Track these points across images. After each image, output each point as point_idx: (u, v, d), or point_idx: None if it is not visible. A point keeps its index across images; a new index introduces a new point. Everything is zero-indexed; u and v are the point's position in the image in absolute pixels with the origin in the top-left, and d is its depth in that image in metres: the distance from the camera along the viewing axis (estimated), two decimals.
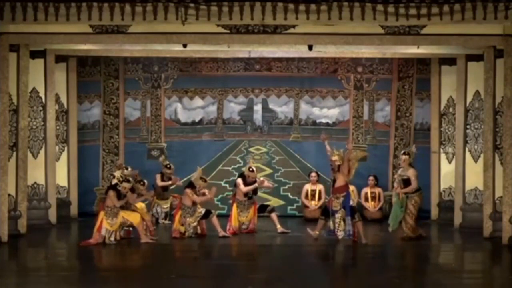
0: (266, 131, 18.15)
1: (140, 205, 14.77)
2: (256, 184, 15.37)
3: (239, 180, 15.40)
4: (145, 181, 15.28)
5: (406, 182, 14.46)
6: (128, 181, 14.14)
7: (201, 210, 14.69)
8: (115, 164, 17.37)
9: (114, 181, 14.94)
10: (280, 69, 18.02)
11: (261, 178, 15.76)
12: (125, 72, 18.03)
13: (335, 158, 14.16)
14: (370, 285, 10.92)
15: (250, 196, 15.40)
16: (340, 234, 14.08)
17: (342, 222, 14.07)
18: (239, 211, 15.30)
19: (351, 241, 13.99)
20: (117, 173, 15.60)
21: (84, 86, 17.74)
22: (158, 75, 18.06)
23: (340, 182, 14.12)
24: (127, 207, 14.19)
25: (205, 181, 14.92)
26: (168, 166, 16.74)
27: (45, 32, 14.03)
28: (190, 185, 14.85)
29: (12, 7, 13.27)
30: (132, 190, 14.37)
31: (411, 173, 14.49)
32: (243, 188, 15.29)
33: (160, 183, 16.61)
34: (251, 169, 15.42)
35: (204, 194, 14.80)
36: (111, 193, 13.97)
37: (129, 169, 16.22)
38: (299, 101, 18.07)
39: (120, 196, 14.00)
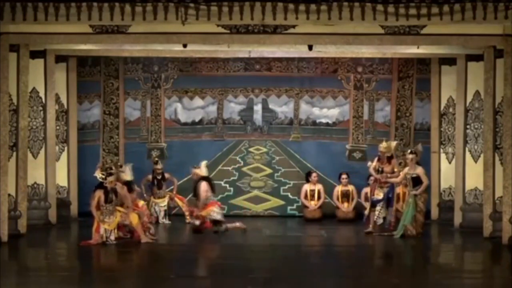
0: (266, 131, 18.14)
1: (140, 203, 14.76)
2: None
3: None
4: None
5: (415, 181, 14.69)
6: (111, 174, 14.06)
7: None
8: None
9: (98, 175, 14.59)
10: (280, 69, 18.01)
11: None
12: (125, 72, 18.03)
13: (384, 148, 14.90)
14: (370, 285, 10.91)
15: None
16: (379, 221, 14.79)
17: (382, 210, 14.81)
18: None
19: (352, 241, 14.02)
20: (98, 173, 15.09)
21: (84, 86, 17.73)
22: (158, 75, 18.05)
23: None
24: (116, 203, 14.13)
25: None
26: (156, 161, 16.71)
27: (45, 32, 14.02)
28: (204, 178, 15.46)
29: (12, 7, 13.25)
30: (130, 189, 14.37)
31: (420, 171, 14.86)
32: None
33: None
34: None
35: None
36: (98, 193, 13.93)
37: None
38: (299, 101, 18.05)
39: (108, 193, 13.95)
